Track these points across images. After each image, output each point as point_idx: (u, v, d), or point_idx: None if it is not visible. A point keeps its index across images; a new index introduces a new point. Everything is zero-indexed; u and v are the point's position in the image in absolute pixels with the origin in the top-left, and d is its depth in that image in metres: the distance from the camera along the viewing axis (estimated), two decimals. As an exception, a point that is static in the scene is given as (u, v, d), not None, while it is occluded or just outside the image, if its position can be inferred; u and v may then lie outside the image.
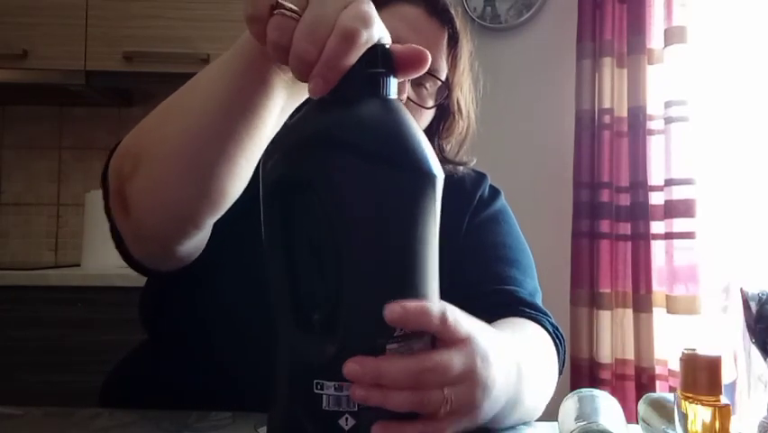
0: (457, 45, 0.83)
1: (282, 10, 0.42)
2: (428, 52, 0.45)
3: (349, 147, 0.41)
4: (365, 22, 0.41)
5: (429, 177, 0.42)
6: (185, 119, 0.57)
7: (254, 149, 0.55)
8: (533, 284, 0.83)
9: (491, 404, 0.49)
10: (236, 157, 0.54)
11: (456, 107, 0.86)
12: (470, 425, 0.48)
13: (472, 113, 0.89)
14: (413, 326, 0.42)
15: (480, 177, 0.93)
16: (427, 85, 0.81)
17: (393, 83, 0.44)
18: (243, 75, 0.50)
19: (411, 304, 0.41)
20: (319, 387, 0.42)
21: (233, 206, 0.62)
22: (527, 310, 0.76)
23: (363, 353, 0.41)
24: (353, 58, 0.41)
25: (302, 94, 0.53)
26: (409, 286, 0.43)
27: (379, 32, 0.43)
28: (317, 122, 0.42)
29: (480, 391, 0.46)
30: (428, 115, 0.83)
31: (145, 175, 0.60)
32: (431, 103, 0.82)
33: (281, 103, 0.52)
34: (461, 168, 0.91)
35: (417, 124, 0.48)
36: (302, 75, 0.42)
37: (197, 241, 0.66)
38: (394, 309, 0.41)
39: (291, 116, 0.53)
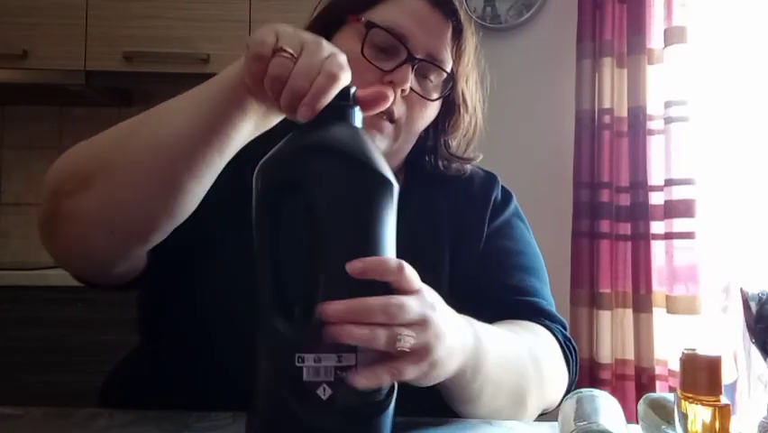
0: (461, 37, 0.82)
1: (283, 53, 0.53)
2: (389, 91, 0.59)
3: (327, 156, 0.52)
4: (343, 68, 0.54)
5: (386, 181, 0.53)
6: (156, 136, 0.61)
7: (217, 169, 0.62)
8: (548, 293, 0.85)
9: (446, 354, 0.55)
10: (202, 175, 0.61)
11: (461, 100, 0.85)
12: (429, 372, 0.54)
13: (479, 109, 0.88)
14: (372, 275, 0.50)
15: (490, 178, 0.93)
16: (431, 77, 0.80)
17: (358, 115, 0.56)
18: (225, 102, 0.59)
19: (369, 258, 0.51)
20: (300, 360, 0.49)
21: (231, 209, 0.63)
22: (544, 321, 0.80)
23: None
24: (334, 93, 0.53)
25: (265, 126, 0.62)
26: None
27: (349, 76, 0.55)
28: (303, 139, 0.54)
29: (433, 335, 0.53)
30: (433, 109, 0.82)
31: (101, 189, 0.62)
32: (435, 95, 0.81)
33: (249, 132, 0.61)
34: (468, 166, 0.90)
35: (377, 144, 0.67)
36: (291, 105, 0.53)
37: (135, 262, 0.69)
38: (355, 264, 0.50)
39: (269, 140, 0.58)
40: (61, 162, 0.66)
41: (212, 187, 0.70)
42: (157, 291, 0.80)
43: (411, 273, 0.53)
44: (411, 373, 0.52)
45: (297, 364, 0.49)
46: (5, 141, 2.33)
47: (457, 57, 0.82)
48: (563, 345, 0.79)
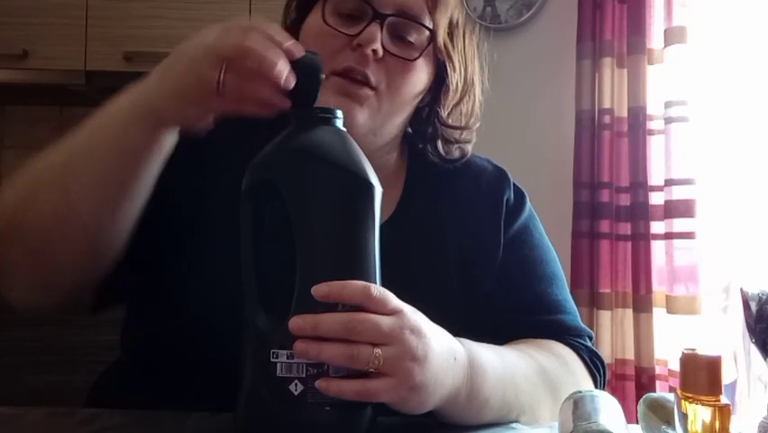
0: None
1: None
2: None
3: (304, 157, 0.53)
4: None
5: (363, 183, 0.54)
6: (73, 192, 0.61)
7: (140, 199, 0.63)
8: (571, 301, 0.83)
9: (431, 380, 0.53)
10: (126, 209, 0.63)
11: (445, 54, 0.76)
12: (410, 398, 0.52)
13: (473, 69, 0.80)
14: (335, 298, 0.51)
15: (500, 175, 0.86)
16: (412, 37, 0.73)
17: (340, 116, 0.57)
18: (141, 143, 0.60)
19: (334, 283, 0.51)
20: (275, 356, 0.51)
21: (211, 214, 0.63)
22: (569, 338, 0.78)
23: None
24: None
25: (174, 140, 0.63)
26: (349, 268, 0.53)
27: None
28: (284, 141, 0.56)
29: (409, 358, 0.51)
30: (419, 72, 0.74)
31: (19, 249, 0.63)
32: (416, 54, 0.73)
33: (166, 155, 0.63)
34: (468, 147, 0.84)
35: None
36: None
37: (89, 294, 0.70)
38: (320, 289, 0.50)
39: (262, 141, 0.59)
40: None
41: (188, 194, 0.70)
42: (138, 300, 0.78)
43: (381, 295, 0.52)
44: (384, 394, 0.51)
45: (271, 360, 0.51)
46: (5, 141, 2.33)
47: (432, 7, 0.73)
48: (589, 361, 0.77)
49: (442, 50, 0.76)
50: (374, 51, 0.70)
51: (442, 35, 0.75)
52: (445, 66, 0.77)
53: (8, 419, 0.63)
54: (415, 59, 0.73)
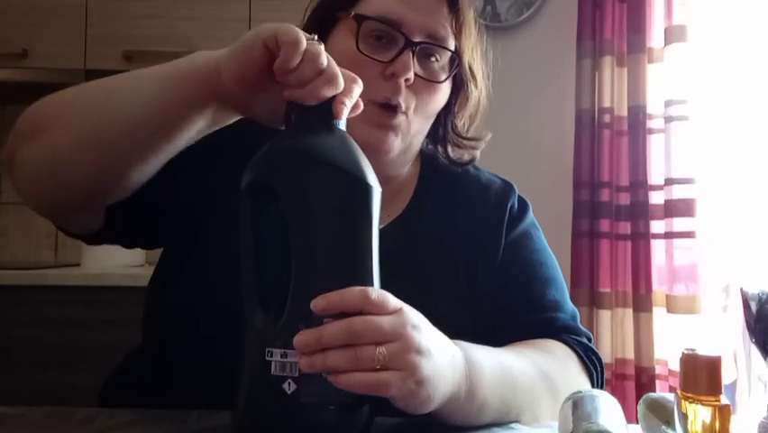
0: (458, 9, 0.79)
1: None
2: (355, 86, 0.57)
3: (301, 158, 0.53)
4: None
5: (364, 183, 0.54)
6: (109, 112, 0.61)
7: (166, 156, 0.63)
8: (570, 303, 0.84)
9: (435, 373, 0.54)
10: (147, 158, 0.62)
11: (469, 75, 0.81)
12: (418, 391, 0.53)
13: (484, 85, 0.84)
14: (336, 309, 0.51)
15: (506, 187, 0.90)
16: (436, 57, 0.77)
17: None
18: (185, 100, 0.59)
19: (332, 294, 0.51)
20: (269, 354, 0.51)
21: (226, 206, 0.63)
22: (565, 336, 0.79)
23: (306, 324, 0.51)
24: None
25: (218, 125, 0.63)
26: (347, 268, 0.53)
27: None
28: (283, 141, 0.56)
29: (415, 352, 0.52)
30: (444, 91, 0.79)
31: (45, 142, 0.63)
32: (443, 76, 0.78)
33: (202, 129, 0.62)
34: (477, 152, 0.87)
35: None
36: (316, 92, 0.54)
37: (91, 217, 0.71)
38: (318, 303, 0.50)
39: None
40: (29, 109, 0.67)
41: (206, 186, 0.70)
42: (157, 288, 0.80)
43: (380, 297, 0.52)
44: (393, 387, 0.51)
45: (266, 359, 0.52)
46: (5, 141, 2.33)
47: (458, 31, 0.78)
48: (585, 358, 0.77)
49: (467, 72, 0.81)
50: (406, 80, 0.73)
51: (467, 57, 0.80)
52: (464, 82, 0.81)
53: (8, 419, 0.63)
54: (442, 82, 0.77)
